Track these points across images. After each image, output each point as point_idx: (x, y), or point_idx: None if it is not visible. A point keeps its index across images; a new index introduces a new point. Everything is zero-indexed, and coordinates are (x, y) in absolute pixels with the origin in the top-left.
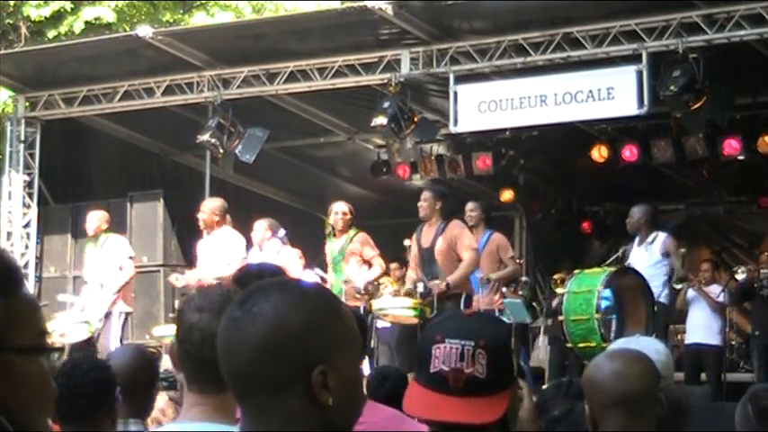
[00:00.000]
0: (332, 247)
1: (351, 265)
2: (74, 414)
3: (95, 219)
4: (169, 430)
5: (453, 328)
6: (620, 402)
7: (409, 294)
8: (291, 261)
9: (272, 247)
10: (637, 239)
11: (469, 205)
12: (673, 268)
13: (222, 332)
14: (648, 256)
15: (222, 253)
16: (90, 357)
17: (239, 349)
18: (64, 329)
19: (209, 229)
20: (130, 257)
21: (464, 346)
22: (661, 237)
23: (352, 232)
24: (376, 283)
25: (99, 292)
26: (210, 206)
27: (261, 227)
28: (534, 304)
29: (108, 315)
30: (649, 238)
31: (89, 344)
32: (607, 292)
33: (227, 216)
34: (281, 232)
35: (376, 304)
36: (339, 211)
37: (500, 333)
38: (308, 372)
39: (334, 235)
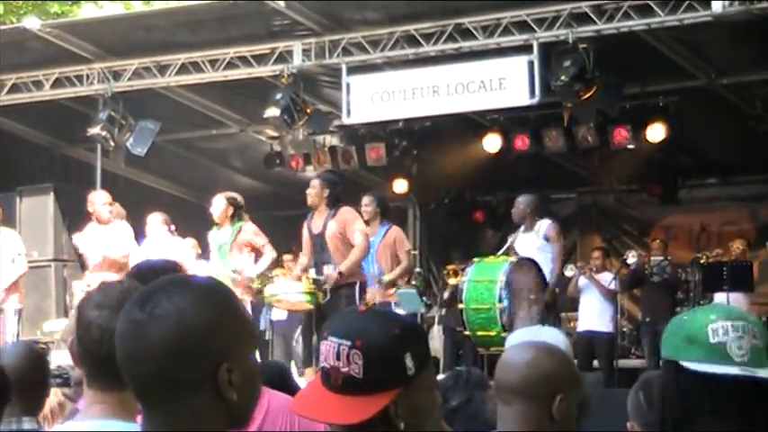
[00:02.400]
0: (217, 236)
1: (242, 255)
2: None
3: None
4: (72, 430)
5: (336, 326)
6: (525, 392)
7: (300, 278)
8: (183, 252)
9: (163, 240)
10: (522, 228)
11: (365, 200)
12: (553, 254)
13: (123, 335)
14: (535, 243)
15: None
16: None
17: (144, 353)
18: None
19: (102, 221)
20: (20, 254)
21: (340, 345)
22: (545, 223)
23: (239, 223)
24: (269, 273)
25: None
26: (109, 200)
27: (156, 220)
28: (425, 296)
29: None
30: (535, 227)
31: None
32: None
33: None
34: (172, 227)
35: (269, 290)
36: (214, 203)
37: (382, 333)
38: (214, 370)
39: (218, 226)
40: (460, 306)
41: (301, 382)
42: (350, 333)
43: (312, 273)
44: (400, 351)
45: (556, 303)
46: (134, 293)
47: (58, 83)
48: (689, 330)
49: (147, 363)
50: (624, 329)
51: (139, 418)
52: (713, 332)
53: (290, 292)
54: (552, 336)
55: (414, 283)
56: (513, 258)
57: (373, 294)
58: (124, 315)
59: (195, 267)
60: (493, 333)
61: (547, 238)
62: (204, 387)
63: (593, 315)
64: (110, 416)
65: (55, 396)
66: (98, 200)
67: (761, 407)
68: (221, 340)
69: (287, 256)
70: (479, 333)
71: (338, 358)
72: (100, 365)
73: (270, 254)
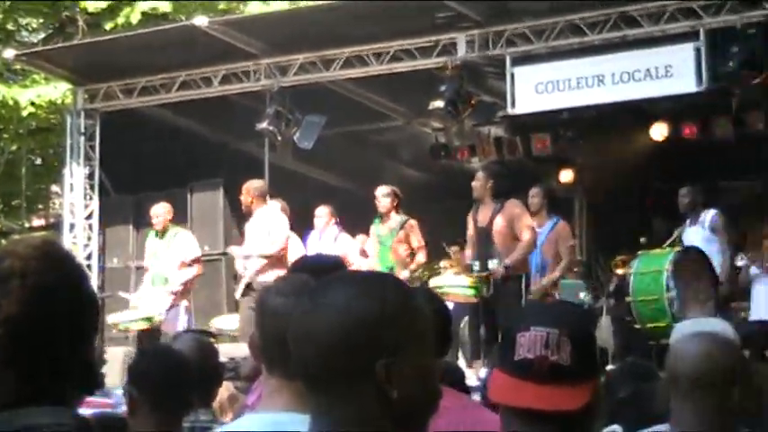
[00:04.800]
0: (379, 230)
1: (402, 251)
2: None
3: (161, 211)
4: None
5: (538, 316)
6: (698, 383)
7: (467, 270)
8: (349, 248)
9: (330, 234)
10: (688, 220)
11: (532, 191)
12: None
13: (295, 323)
14: (701, 234)
15: (263, 231)
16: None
17: (311, 340)
18: (127, 324)
19: (248, 210)
20: (196, 259)
21: (549, 333)
22: (710, 213)
23: (404, 217)
24: (420, 271)
25: (163, 287)
26: (246, 187)
27: (323, 213)
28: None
29: (172, 308)
30: (701, 217)
31: (155, 333)
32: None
33: (267, 196)
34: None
35: (434, 282)
36: (379, 194)
37: (584, 321)
38: (375, 363)
39: (381, 219)
40: (628, 299)
41: (469, 373)
42: (556, 322)
43: (476, 265)
44: (595, 341)
45: (726, 295)
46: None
47: (226, 79)
48: None
49: (311, 349)
50: None
51: None
52: None
53: (454, 284)
54: (718, 326)
55: (575, 269)
56: (678, 248)
57: (536, 284)
58: (298, 306)
59: (359, 262)
60: (663, 324)
61: (713, 229)
62: (366, 380)
63: (765, 305)
64: (289, 408)
65: (226, 390)
66: (243, 189)
67: None
68: (388, 335)
69: (453, 248)
70: (649, 325)
71: (547, 346)
72: (283, 352)
73: (421, 258)
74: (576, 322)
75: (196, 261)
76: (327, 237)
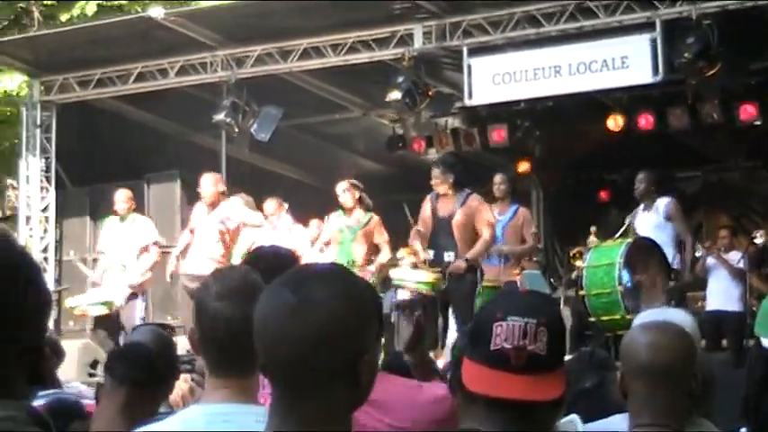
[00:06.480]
0: (341, 223)
1: (364, 246)
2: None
3: (123, 197)
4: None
5: (514, 306)
6: (654, 373)
7: (424, 263)
8: (302, 239)
9: (284, 225)
10: (642, 206)
11: (498, 178)
12: (678, 232)
13: (276, 318)
14: (654, 221)
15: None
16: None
17: (295, 336)
18: (85, 308)
19: (214, 202)
20: (156, 242)
21: (527, 323)
22: (664, 201)
23: (369, 213)
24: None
25: (121, 273)
26: (215, 178)
27: (273, 205)
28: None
29: (131, 297)
30: (655, 203)
31: (113, 318)
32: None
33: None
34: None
35: (396, 273)
36: (339, 191)
37: (556, 311)
38: (355, 360)
39: (345, 212)
40: (582, 293)
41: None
42: (532, 311)
43: (430, 254)
44: (566, 331)
45: (687, 284)
46: (282, 276)
47: (182, 71)
48: None
49: (294, 346)
50: (754, 308)
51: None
52: None
53: (416, 280)
54: (679, 316)
55: (535, 259)
56: (629, 239)
57: (499, 274)
58: (273, 297)
59: (311, 253)
60: (617, 316)
61: (668, 217)
62: (345, 376)
63: (722, 295)
64: (231, 400)
65: (186, 382)
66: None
67: None
68: (366, 333)
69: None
70: (604, 318)
71: (525, 336)
72: (223, 353)
73: (386, 254)
74: (551, 312)
75: (155, 244)
76: (282, 227)
